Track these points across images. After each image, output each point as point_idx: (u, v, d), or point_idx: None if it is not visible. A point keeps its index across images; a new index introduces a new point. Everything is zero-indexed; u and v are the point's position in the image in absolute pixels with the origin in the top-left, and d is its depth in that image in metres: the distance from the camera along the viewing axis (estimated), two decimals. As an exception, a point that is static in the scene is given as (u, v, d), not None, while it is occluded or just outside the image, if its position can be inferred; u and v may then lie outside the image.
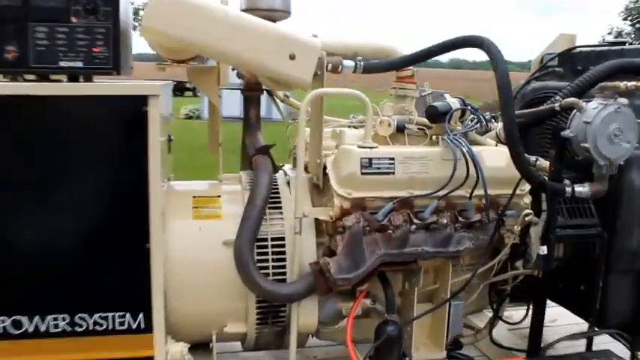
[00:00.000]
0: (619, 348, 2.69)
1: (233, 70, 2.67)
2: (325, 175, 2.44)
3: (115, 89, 2.06)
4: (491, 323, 2.83)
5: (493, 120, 2.75)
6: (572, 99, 2.31)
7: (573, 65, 3.12)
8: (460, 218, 2.43)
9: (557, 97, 2.38)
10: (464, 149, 2.31)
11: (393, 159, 2.34)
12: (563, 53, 3.20)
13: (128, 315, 2.14)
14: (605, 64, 2.52)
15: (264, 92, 2.76)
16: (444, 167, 2.37)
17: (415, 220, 2.37)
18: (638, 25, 17.89)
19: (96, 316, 2.12)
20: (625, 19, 19.70)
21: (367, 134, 2.37)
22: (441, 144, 2.40)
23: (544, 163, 2.55)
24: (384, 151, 2.36)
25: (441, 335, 2.60)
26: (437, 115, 2.49)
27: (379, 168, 2.33)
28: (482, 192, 2.36)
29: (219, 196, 2.51)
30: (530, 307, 2.62)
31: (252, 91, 2.75)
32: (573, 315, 2.86)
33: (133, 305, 2.14)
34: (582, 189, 2.32)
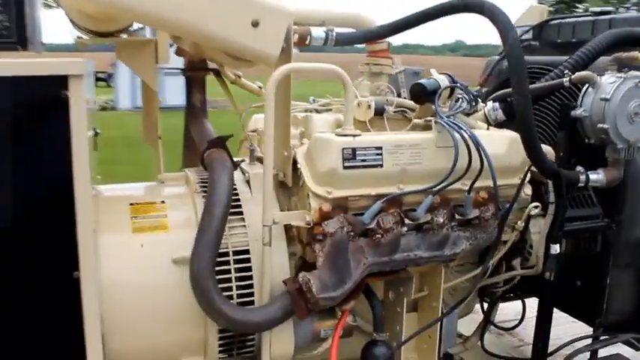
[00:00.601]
0: (622, 348, 2.45)
1: (171, 45, 2.18)
2: (295, 170, 2.00)
3: (23, 68, 1.52)
4: (482, 329, 2.51)
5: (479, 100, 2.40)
6: (586, 72, 1.99)
7: (551, 38, 2.84)
8: (456, 215, 2.07)
9: (566, 72, 2.05)
10: (465, 134, 1.93)
11: (380, 148, 1.94)
12: (538, 26, 2.91)
13: (54, 367, 1.63)
14: (605, 35, 2.23)
15: (212, 73, 2.29)
16: (438, 156, 2.00)
17: (407, 221, 1.98)
18: (555, 7, 18.37)
19: (10, 372, 1.60)
20: (541, 2, 20.24)
21: (348, 119, 1.94)
22: (435, 128, 2.02)
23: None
24: (369, 140, 1.94)
25: (431, 350, 2.25)
26: (425, 95, 2.11)
27: (364, 160, 1.92)
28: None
29: (163, 202, 2.02)
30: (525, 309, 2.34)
31: (196, 71, 2.27)
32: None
33: (60, 354, 1.63)
34: (597, 176, 2.02)
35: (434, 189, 1.94)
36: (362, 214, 1.95)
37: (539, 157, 1.91)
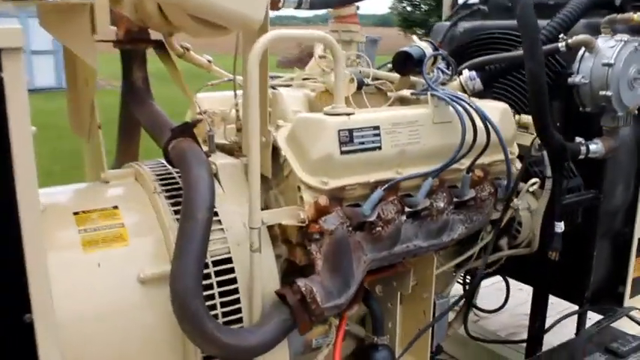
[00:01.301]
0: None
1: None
2: (275, 158, 1.69)
3: None
4: (465, 314, 2.35)
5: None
6: (584, 36, 1.85)
7: (501, 2, 2.70)
8: (454, 198, 1.87)
9: (561, 36, 1.89)
10: (469, 107, 1.72)
11: (377, 128, 1.68)
12: (486, -11, 2.77)
13: None
14: None
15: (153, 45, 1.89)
16: (436, 133, 1.78)
17: (407, 209, 1.75)
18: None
19: None
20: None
21: (339, 95, 1.65)
22: (432, 102, 1.79)
23: (524, 119, 2.09)
24: (365, 119, 1.67)
25: (424, 345, 2.06)
26: (412, 64, 1.87)
27: (362, 143, 1.65)
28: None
29: (115, 207, 1.63)
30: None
31: (135, 44, 1.85)
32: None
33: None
34: (596, 147, 1.90)
35: (438, 170, 1.72)
36: (357, 204, 1.70)
37: (549, 131, 1.75)
